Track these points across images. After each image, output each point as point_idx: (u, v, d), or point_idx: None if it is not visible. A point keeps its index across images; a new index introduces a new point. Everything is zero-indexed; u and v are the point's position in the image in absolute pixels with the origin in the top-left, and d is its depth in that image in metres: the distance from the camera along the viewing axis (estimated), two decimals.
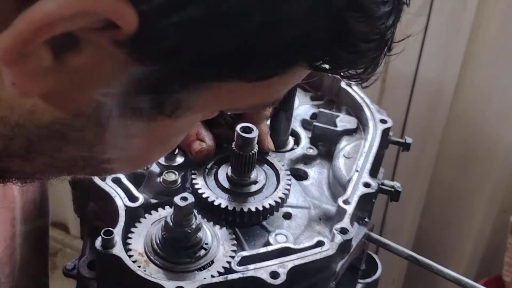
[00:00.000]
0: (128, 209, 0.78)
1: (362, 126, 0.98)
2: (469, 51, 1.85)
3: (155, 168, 0.86)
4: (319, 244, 0.77)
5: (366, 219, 0.85)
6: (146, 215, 0.81)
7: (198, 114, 0.59)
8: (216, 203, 0.82)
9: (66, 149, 0.56)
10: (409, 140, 0.99)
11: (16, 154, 0.56)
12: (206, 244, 0.78)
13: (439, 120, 2.01)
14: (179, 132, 0.62)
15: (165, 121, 0.55)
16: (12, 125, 0.52)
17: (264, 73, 0.53)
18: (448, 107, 1.98)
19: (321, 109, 1.00)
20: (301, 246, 0.77)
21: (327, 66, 0.55)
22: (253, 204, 0.83)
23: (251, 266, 0.73)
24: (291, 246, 0.77)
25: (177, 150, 0.87)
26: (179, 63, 0.49)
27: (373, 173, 0.90)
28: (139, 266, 0.73)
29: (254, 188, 0.85)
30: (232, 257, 0.76)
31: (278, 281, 0.72)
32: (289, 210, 0.87)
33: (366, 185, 0.85)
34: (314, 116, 1.02)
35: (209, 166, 0.87)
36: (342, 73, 0.57)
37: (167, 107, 0.53)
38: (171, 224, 0.76)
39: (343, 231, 0.79)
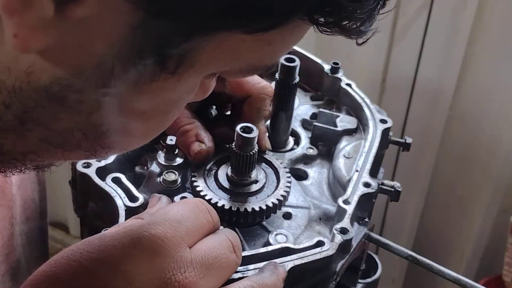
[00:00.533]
0: (128, 209, 0.78)
1: (362, 126, 0.98)
2: (469, 51, 1.85)
3: (155, 168, 0.86)
4: (319, 244, 0.77)
5: (366, 219, 0.85)
6: None
7: (199, 76, 0.58)
8: (216, 203, 0.82)
9: (63, 116, 0.55)
10: (409, 140, 0.99)
11: (11, 125, 0.54)
12: None
13: (439, 120, 2.01)
14: (179, 100, 0.60)
15: (167, 82, 0.54)
16: (8, 90, 0.51)
17: (264, 22, 0.52)
18: (448, 107, 1.98)
19: (321, 109, 1.00)
20: (301, 246, 0.77)
21: (326, 19, 0.55)
22: (253, 204, 0.83)
23: (251, 266, 0.73)
24: (291, 246, 0.77)
25: (177, 150, 0.86)
26: (182, 12, 0.49)
27: (373, 173, 0.90)
28: None
29: (254, 188, 0.85)
30: None
31: None
32: (289, 210, 0.87)
33: (366, 185, 0.85)
34: (314, 116, 1.02)
35: (209, 166, 0.87)
36: (342, 27, 0.56)
37: (170, 62, 0.53)
38: None
39: (343, 231, 0.79)
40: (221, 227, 0.72)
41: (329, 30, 0.56)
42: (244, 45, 0.55)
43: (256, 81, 0.91)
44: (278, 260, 0.74)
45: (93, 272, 0.59)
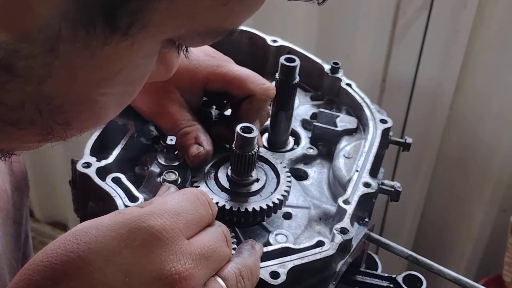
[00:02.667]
0: None
1: (362, 126, 0.98)
2: (469, 52, 1.85)
3: (155, 168, 0.86)
4: (319, 244, 0.77)
5: (366, 219, 0.85)
6: None
7: (155, 40, 0.55)
8: (216, 203, 0.82)
9: (11, 87, 0.51)
10: (409, 140, 0.99)
11: None
12: None
13: (439, 120, 2.01)
14: (138, 71, 0.58)
15: (121, 46, 0.52)
16: None
17: None
18: (448, 107, 1.98)
19: (321, 109, 1.00)
20: (301, 246, 0.77)
21: None
22: (253, 204, 0.83)
23: None
24: (291, 246, 0.77)
25: (177, 151, 0.87)
26: None
27: (373, 173, 0.90)
28: None
29: (254, 188, 0.85)
30: None
31: (278, 281, 0.72)
32: (289, 210, 0.87)
33: (366, 185, 0.85)
34: (314, 116, 1.02)
35: (209, 166, 0.87)
36: None
37: (120, 22, 0.50)
38: None
39: (343, 231, 0.79)
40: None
41: None
42: (199, 4, 0.53)
43: (261, 82, 0.91)
44: (278, 260, 0.74)
45: (91, 264, 0.59)
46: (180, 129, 0.88)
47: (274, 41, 1.07)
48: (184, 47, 0.63)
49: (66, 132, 0.59)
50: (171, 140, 0.85)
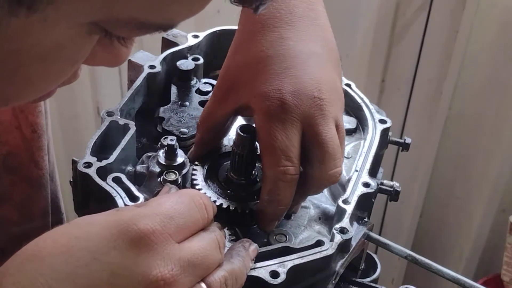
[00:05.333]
0: None
1: (361, 126, 0.98)
2: (469, 51, 1.86)
3: (155, 168, 0.86)
4: (319, 243, 0.77)
5: (366, 219, 0.85)
6: None
7: (69, 19, 0.53)
8: (216, 203, 0.82)
9: None
10: (408, 140, 0.99)
11: None
12: None
13: (438, 120, 2.01)
14: (61, 47, 0.56)
15: (31, 21, 0.51)
16: None
17: None
18: (447, 107, 1.99)
19: None
20: (301, 245, 0.77)
21: None
22: (253, 204, 0.83)
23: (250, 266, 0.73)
24: (291, 246, 0.77)
25: (177, 150, 0.87)
26: None
27: (373, 173, 0.90)
28: None
29: (254, 187, 0.85)
30: None
31: (278, 281, 0.72)
32: None
33: (366, 185, 0.86)
34: None
35: (209, 166, 0.87)
36: None
37: None
38: None
39: (343, 230, 0.79)
40: (215, 222, 0.71)
41: None
42: None
43: (276, 163, 0.76)
44: (277, 260, 0.74)
45: (78, 260, 0.59)
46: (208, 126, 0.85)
47: None
48: (121, 36, 0.60)
49: None
50: (171, 140, 0.86)
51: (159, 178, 0.85)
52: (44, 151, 1.00)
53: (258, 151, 0.82)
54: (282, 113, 0.76)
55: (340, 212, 0.82)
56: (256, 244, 0.73)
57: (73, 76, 0.64)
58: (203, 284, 0.64)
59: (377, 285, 0.88)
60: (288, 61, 0.79)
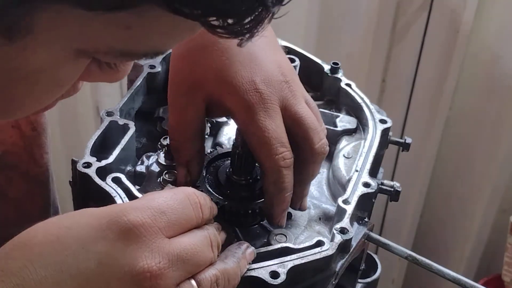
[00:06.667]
0: None
1: (362, 126, 0.98)
2: (469, 51, 1.86)
3: (155, 168, 0.86)
4: (319, 244, 0.77)
5: (366, 219, 0.85)
6: None
7: (50, 47, 0.53)
8: (216, 203, 0.82)
9: None
10: (408, 140, 0.99)
11: None
12: None
13: (439, 120, 2.01)
14: (45, 71, 0.55)
15: (12, 48, 0.51)
16: None
17: (100, 1, 0.47)
18: (447, 107, 1.99)
19: (321, 109, 1.00)
20: (301, 246, 0.77)
21: (191, 11, 0.48)
22: (253, 204, 0.83)
23: (251, 266, 0.73)
24: (291, 246, 0.77)
25: None
26: None
27: (373, 173, 0.90)
28: None
29: (254, 187, 0.85)
30: None
31: (278, 281, 0.72)
32: (289, 210, 0.87)
33: (366, 185, 0.86)
34: None
35: (209, 165, 0.87)
36: (208, 23, 0.50)
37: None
38: None
39: (343, 231, 0.79)
40: (215, 223, 0.71)
41: (202, 26, 0.51)
42: (95, 24, 0.51)
43: (273, 153, 0.77)
44: (277, 260, 0.74)
45: (67, 248, 0.59)
46: (181, 139, 0.83)
47: None
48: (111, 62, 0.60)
49: None
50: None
51: (159, 178, 0.85)
52: (44, 149, 1.01)
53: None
54: (263, 103, 0.77)
55: (340, 212, 0.82)
56: (253, 248, 0.73)
57: (72, 90, 0.64)
58: (193, 281, 0.63)
59: None
60: (245, 49, 0.77)
